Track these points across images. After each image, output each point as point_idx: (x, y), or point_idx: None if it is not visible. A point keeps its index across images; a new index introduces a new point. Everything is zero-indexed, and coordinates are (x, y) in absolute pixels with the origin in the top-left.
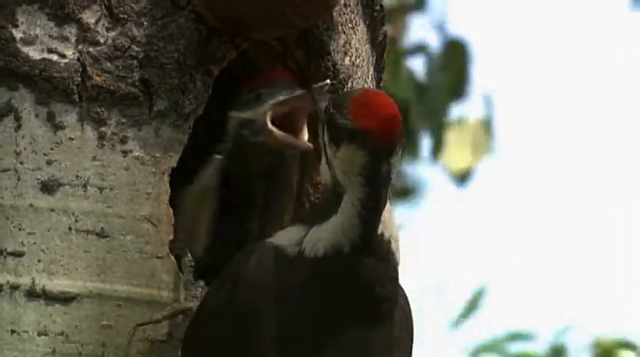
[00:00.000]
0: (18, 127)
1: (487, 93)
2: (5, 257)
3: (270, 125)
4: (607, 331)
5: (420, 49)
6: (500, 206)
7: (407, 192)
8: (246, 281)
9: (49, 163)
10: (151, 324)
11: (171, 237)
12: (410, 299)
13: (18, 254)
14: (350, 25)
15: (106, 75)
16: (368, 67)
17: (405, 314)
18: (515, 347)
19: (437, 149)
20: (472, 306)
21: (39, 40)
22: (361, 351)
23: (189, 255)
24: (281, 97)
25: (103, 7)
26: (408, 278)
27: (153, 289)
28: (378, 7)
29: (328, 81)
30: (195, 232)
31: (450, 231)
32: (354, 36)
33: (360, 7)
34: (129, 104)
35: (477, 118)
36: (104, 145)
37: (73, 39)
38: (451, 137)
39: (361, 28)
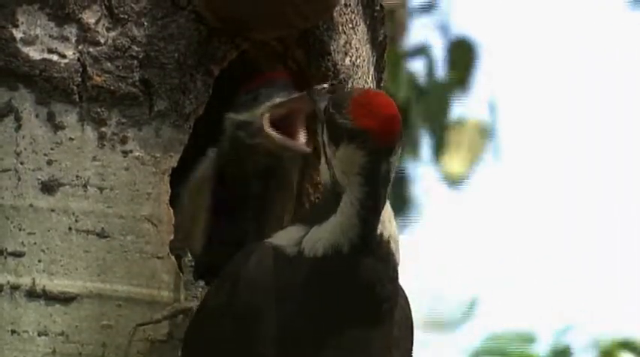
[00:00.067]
0: (18, 128)
1: (491, 98)
2: (5, 257)
3: (268, 128)
4: (607, 331)
5: (421, 50)
6: (500, 206)
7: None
8: (246, 281)
9: (49, 163)
10: (151, 324)
11: (172, 237)
12: (410, 299)
13: (18, 254)
14: (350, 26)
15: (107, 75)
16: (368, 68)
17: (405, 314)
18: (516, 348)
19: (438, 151)
20: (466, 315)
21: (39, 40)
22: (361, 351)
23: (189, 255)
24: (278, 99)
25: (104, 7)
26: (407, 279)
27: (153, 289)
28: (378, 8)
29: (326, 85)
30: (192, 230)
31: (450, 231)
32: (354, 36)
33: (360, 8)
34: (129, 104)
35: (475, 121)
36: (104, 145)
37: (74, 39)
38: (449, 139)
39: (361, 28)
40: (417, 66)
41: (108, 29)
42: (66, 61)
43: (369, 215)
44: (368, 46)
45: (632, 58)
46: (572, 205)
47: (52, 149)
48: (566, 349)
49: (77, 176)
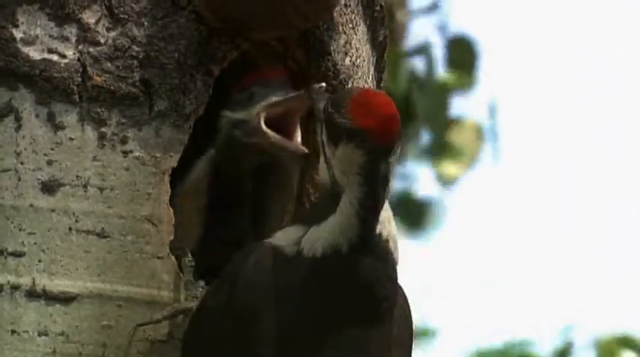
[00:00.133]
0: (18, 128)
1: (492, 99)
2: (6, 257)
3: (264, 127)
4: (608, 330)
5: (421, 50)
6: (499, 206)
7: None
8: (245, 281)
9: (49, 163)
10: (152, 324)
11: (172, 237)
12: (409, 299)
13: (18, 254)
14: (350, 26)
15: (107, 75)
16: (368, 68)
17: (404, 313)
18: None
19: (434, 151)
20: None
21: (39, 40)
22: (360, 350)
23: (189, 255)
24: (274, 98)
25: (104, 7)
26: (407, 278)
27: (153, 289)
28: (378, 8)
29: (324, 84)
30: (187, 231)
31: (450, 231)
32: (354, 36)
33: (360, 8)
34: (129, 104)
35: (473, 121)
36: (104, 145)
37: (74, 39)
38: (447, 139)
39: (362, 28)
40: (417, 65)
41: (108, 29)
42: (66, 61)
43: (368, 215)
44: (368, 46)
45: (633, 58)
46: (571, 205)
47: (52, 149)
48: (566, 349)
49: (77, 176)
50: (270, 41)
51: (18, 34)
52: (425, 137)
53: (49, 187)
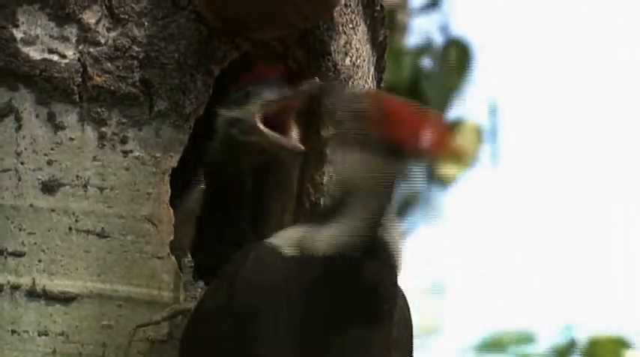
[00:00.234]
0: (18, 128)
1: (492, 101)
2: (6, 257)
3: (260, 125)
4: (604, 329)
5: (422, 51)
6: (499, 206)
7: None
8: (244, 281)
9: (49, 163)
10: (151, 324)
11: (172, 237)
12: (409, 299)
13: (18, 254)
14: (351, 26)
15: (107, 75)
16: (368, 68)
17: (403, 315)
18: (516, 347)
19: None
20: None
21: (39, 41)
22: (360, 351)
23: (189, 255)
24: (270, 96)
25: (104, 7)
26: (406, 278)
27: (153, 289)
28: (378, 8)
29: (317, 78)
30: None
31: (449, 231)
32: (354, 36)
33: (360, 8)
34: (129, 104)
35: (472, 122)
36: (104, 145)
37: (74, 39)
38: None
39: (362, 28)
40: (421, 61)
41: (108, 29)
42: (66, 61)
43: (376, 219)
44: (368, 46)
45: (633, 58)
46: (571, 205)
47: (52, 149)
48: (565, 348)
49: (77, 176)
50: (270, 41)
51: (18, 34)
52: None
53: (49, 187)
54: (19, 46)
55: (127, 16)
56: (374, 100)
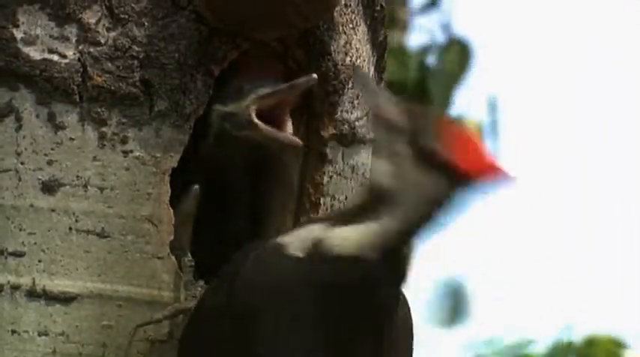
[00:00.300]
0: (19, 128)
1: (492, 98)
2: (6, 257)
3: (255, 119)
4: (602, 330)
5: (423, 51)
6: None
7: None
8: (244, 281)
9: (49, 163)
10: (152, 324)
11: (172, 237)
12: (408, 299)
13: (18, 254)
14: (351, 26)
15: (107, 75)
16: (369, 68)
17: (404, 316)
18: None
19: None
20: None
21: (40, 41)
22: (360, 352)
23: (189, 255)
24: (265, 91)
25: (104, 7)
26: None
27: (153, 289)
28: (378, 8)
29: (314, 75)
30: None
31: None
32: (354, 36)
33: (360, 8)
34: (129, 104)
35: (473, 119)
36: (105, 145)
37: (74, 39)
38: None
39: (362, 28)
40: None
41: (108, 29)
42: (66, 61)
43: (409, 234)
44: (368, 46)
45: (633, 57)
46: (571, 205)
47: (52, 149)
48: (565, 348)
49: (77, 176)
50: (270, 41)
51: (18, 34)
52: None
53: (49, 187)
54: (20, 46)
55: (127, 16)
56: (435, 122)
